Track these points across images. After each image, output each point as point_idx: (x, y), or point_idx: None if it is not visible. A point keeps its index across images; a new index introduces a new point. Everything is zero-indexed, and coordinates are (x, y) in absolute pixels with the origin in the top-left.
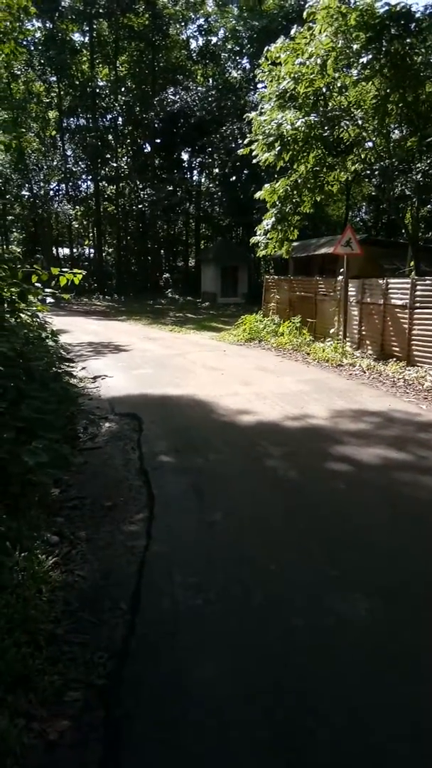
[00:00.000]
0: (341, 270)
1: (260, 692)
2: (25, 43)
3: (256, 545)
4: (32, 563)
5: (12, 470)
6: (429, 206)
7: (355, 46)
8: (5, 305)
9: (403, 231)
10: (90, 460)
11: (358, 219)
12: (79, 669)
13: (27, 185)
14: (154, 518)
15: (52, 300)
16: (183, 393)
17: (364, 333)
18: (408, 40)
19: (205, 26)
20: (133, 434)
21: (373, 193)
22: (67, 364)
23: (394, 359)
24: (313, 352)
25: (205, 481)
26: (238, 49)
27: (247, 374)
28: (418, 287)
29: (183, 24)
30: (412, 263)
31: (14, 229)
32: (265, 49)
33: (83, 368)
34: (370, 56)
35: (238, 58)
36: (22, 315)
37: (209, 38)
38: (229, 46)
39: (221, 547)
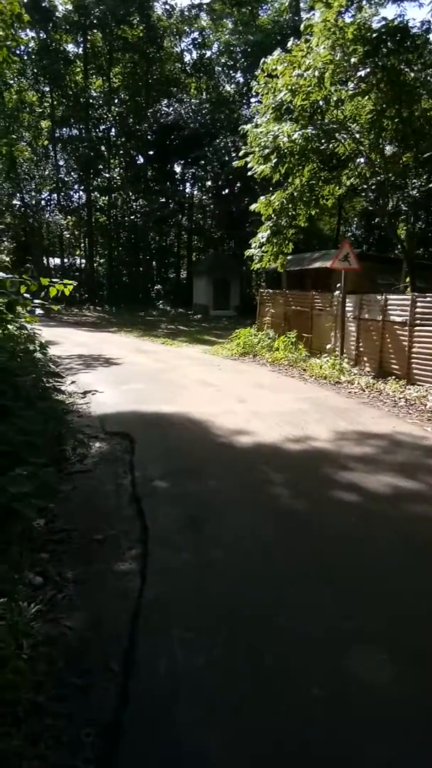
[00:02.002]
0: (338, 285)
1: None
2: (18, 52)
3: (262, 591)
4: (12, 612)
5: None
6: (423, 222)
7: (353, 60)
8: None
9: (399, 246)
10: (79, 485)
11: (350, 234)
12: (64, 751)
13: (18, 194)
14: (148, 555)
15: (41, 311)
16: (177, 410)
17: (361, 349)
18: (404, 56)
19: (200, 40)
20: (124, 455)
21: (369, 208)
22: (55, 379)
23: (394, 377)
24: (310, 369)
25: (203, 512)
26: (232, 63)
27: (243, 390)
28: (419, 304)
29: (177, 37)
30: (407, 279)
31: (5, 239)
32: (262, 61)
33: (73, 382)
34: (368, 70)
35: (232, 72)
36: (10, 327)
37: (203, 52)
38: (223, 60)
39: (222, 592)
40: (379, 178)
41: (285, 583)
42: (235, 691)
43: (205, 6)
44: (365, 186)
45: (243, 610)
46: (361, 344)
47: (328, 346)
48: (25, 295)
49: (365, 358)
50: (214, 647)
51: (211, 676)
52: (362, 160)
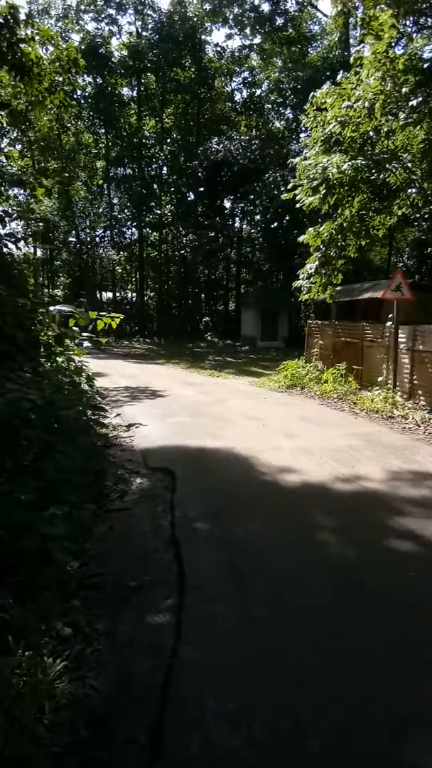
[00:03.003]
0: (390, 315)
1: None
2: (76, 96)
3: (309, 657)
4: (36, 668)
5: (26, 543)
6: None
7: (404, 90)
8: (41, 349)
9: None
10: (116, 524)
11: (401, 264)
12: None
13: (74, 231)
14: (185, 608)
15: (89, 344)
16: (221, 445)
17: (416, 382)
18: None
19: (250, 79)
20: (165, 493)
21: (422, 237)
22: (99, 412)
23: None
24: (360, 402)
25: (244, 559)
26: (281, 100)
27: (289, 425)
28: None
29: (228, 77)
30: None
31: (60, 274)
32: (311, 94)
33: (118, 415)
34: (420, 99)
35: (281, 108)
36: (59, 359)
37: (253, 90)
38: (273, 98)
39: (265, 657)
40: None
41: (335, 647)
42: None
43: (255, 47)
44: (418, 215)
45: (287, 679)
46: (415, 377)
47: (380, 379)
48: (74, 328)
49: (420, 392)
50: (253, 724)
51: (249, 760)
52: (414, 189)
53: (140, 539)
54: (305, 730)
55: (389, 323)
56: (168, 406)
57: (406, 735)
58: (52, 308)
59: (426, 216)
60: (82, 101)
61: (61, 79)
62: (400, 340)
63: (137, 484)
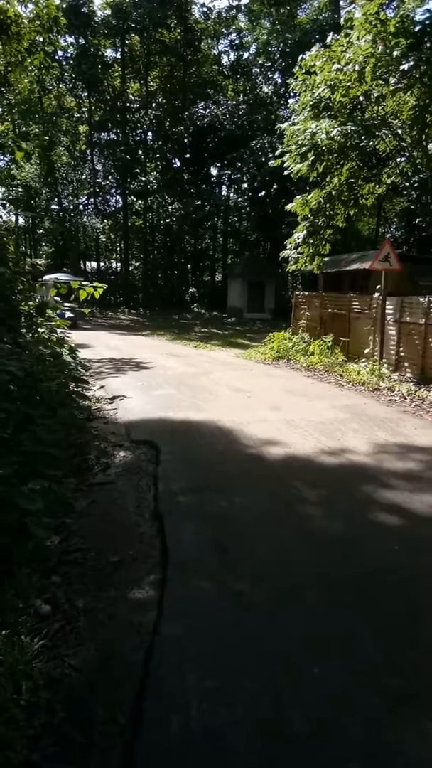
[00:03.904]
0: (378, 287)
1: None
2: (57, 57)
3: (293, 634)
4: (13, 648)
5: (3, 519)
6: None
7: (395, 53)
8: (22, 319)
9: None
10: (99, 498)
11: (389, 234)
12: None
13: (56, 199)
14: (167, 583)
15: (71, 314)
16: (205, 418)
17: (402, 354)
18: None
19: (237, 41)
20: (149, 466)
21: (411, 207)
22: (82, 385)
23: None
24: (347, 374)
25: (229, 533)
26: (269, 64)
27: (275, 397)
28: None
29: (215, 39)
30: None
31: (43, 243)
32: (300, 57)
33: (101, 387)
34: (411, 63)
35: (269, 72)
36: (40, 330)
37: (241, 53)
38: (261, 61)
39: (248, 634)
40: (422, 176)
41: (320, 624)
42: (257, 759)
43: (243, 7)
44: (407, 184)
45: (270, 657)
46: (401, 348)
47: (367, 351)
48: (56, 298)
49: (406, 364)
50: (235, 703)
51: (230, 741)
52: (404, 157)
53: (123, 514)
54: (288, 711)
55: (377, 294)
56: (153, 378)
57: (389, 716)
58: (48, 277)
59: (415, 185)
60: (64, 63)
61: (41, 38)
62: (387, 311)
63: (120, 457)
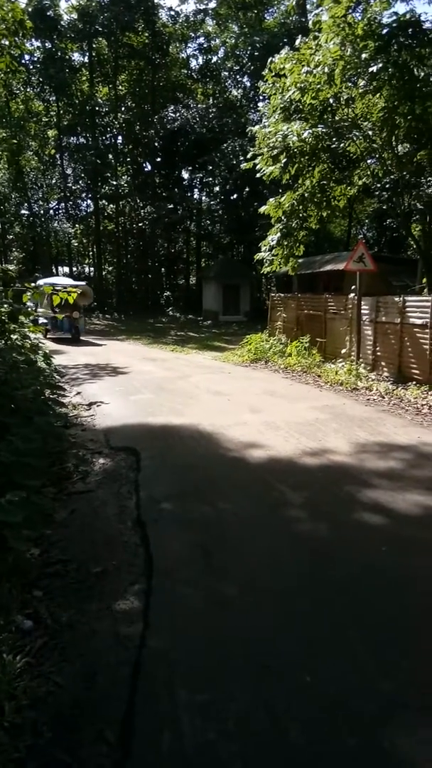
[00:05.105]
0: (353, 287)
1: None
2: (24, 61)
3: (283, 642)
4: None
5: None
6: None
7: (363, 56)
8: None
9: (414, 247)
10: (79, 507)
11: (361, 236)
12: None
13: (26, 204)
14: (153, 593)
15: (44, 320)
16: (185, 422)
17: (379, 354)
18: (416, 51)
19: (206, 45)
20: (129, 473)
21: (383, 208)
22: (58, 391)
23: (414, 383)
24: (325, 375)
25: (214, 539)
26: (238, 67)
27: (255, 400)
28: None
29: (183, 42)
30: (424, 280)
31: (14, 248)
32: (269, 60)
33: (78, 393)
34: (380, 65)
35: (238, 76)
36: (13, 336)
37: (209, 57)
38: (230, 65)
39: (237, 644)
40: (392, 177)
41: (309, 630)
42: None
43: (210, 11)
44: (378, 185)
45: (261, 667)
46: (378, 348)
47: (344, 351)
48: (29, 304)
49: (383, 363)
50: (227, 716)
51: (223, 756)
52: (374, 159)
53: (104, 522)
54: (282, 724)
55: (352, 295)
56: (130, 382)
57: (386, 727)
58: (42, 281)
59: (386, 186)
60: (31, 67)
61: (6, 42)
62: (363, 311)
63: (100, 464)
